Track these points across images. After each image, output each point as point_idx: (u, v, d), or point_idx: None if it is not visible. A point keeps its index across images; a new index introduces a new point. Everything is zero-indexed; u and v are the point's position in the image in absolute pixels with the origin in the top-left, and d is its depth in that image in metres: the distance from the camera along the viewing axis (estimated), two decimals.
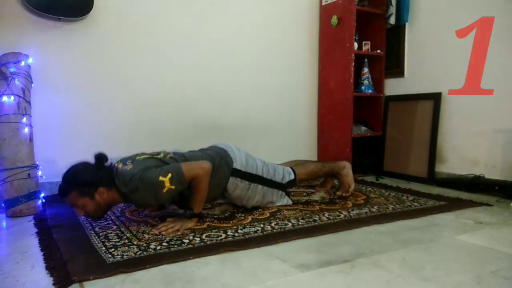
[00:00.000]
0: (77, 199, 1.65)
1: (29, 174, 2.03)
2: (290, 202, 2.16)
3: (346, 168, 2.41)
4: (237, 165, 1.97)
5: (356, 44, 3.09)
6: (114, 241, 1.55)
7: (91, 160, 1.73)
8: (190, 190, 1.75)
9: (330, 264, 1.34)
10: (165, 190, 1.64)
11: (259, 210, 2.03)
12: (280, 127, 3.23)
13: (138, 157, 1.80)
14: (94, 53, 2.49)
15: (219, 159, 1.93)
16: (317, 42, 3.36)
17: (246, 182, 1.98)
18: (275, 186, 2.11)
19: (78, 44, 2.44)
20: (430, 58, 2.96)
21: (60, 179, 2.42)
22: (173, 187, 1.65)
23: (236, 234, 1.64)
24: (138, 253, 1.43)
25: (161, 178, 1.63)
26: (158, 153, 1.88)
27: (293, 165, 2.29)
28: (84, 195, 1.64)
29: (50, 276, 1.25)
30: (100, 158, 1.70)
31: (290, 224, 1.78)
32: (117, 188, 1.69)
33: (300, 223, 1.79)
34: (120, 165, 1.76)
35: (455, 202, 2.21)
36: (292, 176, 2.19)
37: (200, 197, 1.74)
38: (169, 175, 1.64)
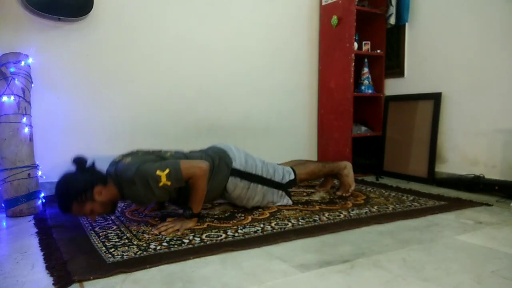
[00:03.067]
0: (82, 208, 1.64)
1: (29, 174, 2.03)
2: (290, 202, 2.16)
3: (347, 168, 2.41)
4: (236, 164, 1.97)
5: (356, 44, 3.09)
6: (114, 241, 1.55)
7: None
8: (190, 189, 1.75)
9: (330, 264, 1.34)
10: (160, 184, 1.63)
11: (259, 210, 2.03)
12: (280, 127, 3.22)
13: (138, 153, 1.81)
14: (94, 53, 2.49)
15: (218, 159, 1.93)
16: (317, 42, 3.37)
17: (246, 181, 1.98)
18: (275, 186, 2.11)
19: (78, 44, 2.44)
20: (430, 58, 2.96)
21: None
22: (169, 183, 1.64)
23: (236, 234, 1.64)
24: (138, 253, 1.43)
25: (158, 172, 1.63)
26: (160, 151, 1.88)
27: (293, 165, 2.28)
28: (85, 202, 1.63)
29: (50, 276, 1.25)
30: (79, 162, 1.69)
31: (290, 224, 1.78)
32: (114, 182, 1.69)
33: (300, 223, 1.79)
34: (120, 159, 1.76)
35: (455, 202, 2.21)
36: (292, 176, 2.19)
37: (198, 197, 1.74)
38: (167, 170, 1.64)
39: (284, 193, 2.15)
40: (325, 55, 3.29)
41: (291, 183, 2.19)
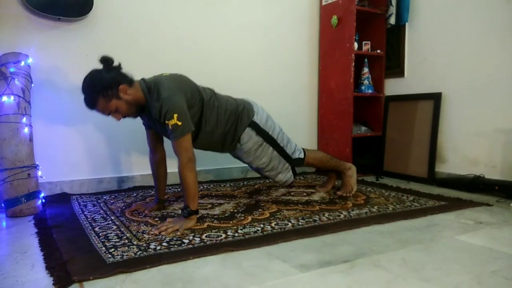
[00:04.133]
0: (107, 104, 1.70)
1: (29, 174, 2.03)
2: (292, 178, 2.23)
3: (352, 169, 2.43)
4: (257, 119, 2.07)
5: (356, 44, 3.09)
6: (114, 241, 1.55)
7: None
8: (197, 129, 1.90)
9: (330, 264, 1.34)
10: (171, 122, 1.70)
11: (259, 210, 2.03)
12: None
13: (182, 78, 1.91)
14: (94, 53, 2.46)
15: (242, 107, 2.05)
16: (317, 42, 3.37)
17: (260, 138, 2.07)
18: (284, 157, 2.17)
19: (78, 44, 2.44)
20: (430, 58, 2.96)
21: (60, 179, 2.44)
22: (180, 122, 1.71)
23: (236, 234, 1.64)
24: (138, 253, 1.42)
25: (175, 115, 1.70)
26: (196, 84, 1.97)
27: (305, 148, 2.35)
28: (111, 98, 1.70)
29: (50, 276, 1.25)
30: (106, 60, 1.73)
31: (290, 224, 1.78)
32: (142, 86, 1.78)
33: (300, 223, 1.79)
34: (162, 74, 1.87)
35: (455, 202, 2.21)
36: (302, 155, 2.25)
37: (191, 192, 1.73)
38: (180, 123, 1.70)
39: (289, 167, 2.18)
40: (325, 55, 3.29)
41: (299, 161, 2.24)
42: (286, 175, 2.20)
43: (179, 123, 1.71)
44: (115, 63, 1.76)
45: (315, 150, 2.46)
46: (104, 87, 1.68)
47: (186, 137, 1.74)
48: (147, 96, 1.78)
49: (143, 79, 1.85)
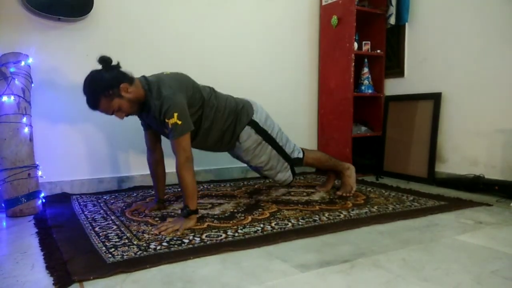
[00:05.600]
0: (110, 104, 1.71)
1: (29, 174, 2.03)
2: (291, 178, 2.23)
3: (350, 169, 2.43)
4: (256, 117, 2.08)
5: (356, 44, 3.09)
6: (114, 241, 1.55)
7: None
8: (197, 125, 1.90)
9: (330, 264, 1.34)
10: (171, 121, 1.70)
11: (259, 210, 2.03)
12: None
13: (184, 78, 1.91)
14: (94, 53, 2.45)
15: (242, 106, 2.07)
16: (317, 42, 3.37)
17: (259, 137, 2.08)
18: (283, 156, 2.18)
19: (78, 44, 2.44)
20: (430, 58, 2.96)
21: (60, 179, 2.44)
22: (180, 121, 1.71)
23: (236, 234, 1.64)
24: (138, 253, 1.42)
25: (175, 114, 1.70)
26: (197, 84, 1.97)
27: (303, 148, 2.35)
28: (113, 97, 1.70)
29: (50, 276, 1.25)
30: (105, 60, 1.73)
31: (290, 224, 1.78)
32: (142, 84, 1.78)
33: (300, 223, 1.79)
34: (163, 72, 1.89)
35: (455, 202, 2.21)
36: (301, 155, 2.27)
37: (189, 192, 1.73)
38: (180, 122, 1.70)
39: (288, 166, 2.18)
40: (325, 55, 3.29)
41: (298, 161, 2.25)
42: (285, 175, 2.20)
43: (179, 122, 1.71)
44: (114, 62, 1.76)
45: (314, 150, 2.46)
46: (106, 87, 1.69)
47: (185, 137, 1.74)
48: (147, 94, 1.78)
49: (144, 76, 1.85)
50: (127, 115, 1.81)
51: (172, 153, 1.77)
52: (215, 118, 1.97)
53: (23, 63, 2.10)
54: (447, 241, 1.58)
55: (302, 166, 2.36)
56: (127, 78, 1.75)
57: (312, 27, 3.34)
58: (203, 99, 1.92)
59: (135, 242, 1.54)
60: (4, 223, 1.90)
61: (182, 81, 1.86)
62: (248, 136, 2.05)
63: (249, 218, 1.88)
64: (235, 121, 2.03)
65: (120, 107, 1.73)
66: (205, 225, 1.76)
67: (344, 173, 2.42)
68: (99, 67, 1.74)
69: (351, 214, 1.95)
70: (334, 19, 3.13)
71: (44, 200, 2.15)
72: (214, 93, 2.02)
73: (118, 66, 1.77)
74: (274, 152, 2.14)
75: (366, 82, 3.23)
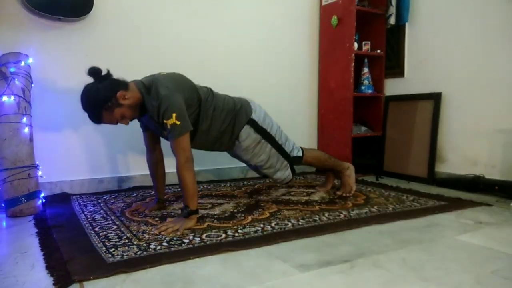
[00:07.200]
0: (111, 115, 1.71)
1: (29, 174, 2.03)
2: (290, 176, 2.23)
3: (350, 169, 2.43)
4: (254, 116, 2.08)
5: (356, 44, 3.09)
6: (114, 241, 1.55)
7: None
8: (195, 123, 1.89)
9: (330, 264, 1.34)
10: (170, 122, 1.69)
11: (259, 210, 2.03)
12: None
13: (181, 77, 1.90)
14: (94, 53, 2.49)
15: (240, 106, 2.06)
16: (317, 42, 3.37)
17: (258, 135, 2.07)
18: (283, 154, 2.18)
19: (78, 44, 2.44)
20: (430, 58, 2.96)
21: (60, 179, 2.44)
22: (179, 122, 1.70)
23: (236, 234, 1.64)
24: (138, 253, 1.43)
25: (174, 114, 1.69)
26: (194, 84, 1.96)
27: (303, 147, 2.35)
28: (113, 108, 1.69)
29: (50, 276, 1.25)
30: (95, 72, 1.71)
31: (290, 224, 1.78)
32: (138, 86, 1.77)
33: (300, 223, 1.79)
34: (159, 74, 1.87)
35: (455, 202, 2.21)
36: (300, 154, 2.27)
37: (189, 192, 1.73)
38: (179, 122, 1.69)
39: (288, 165, 2.18)
40: (325, 55, 3.29)
41: (297, 159, 2.25)
42: (284, 173, 2.20)
43: (178, 123, 1.70)
44: (104, 71, 1.73)
45: (314, 149, 2.46)
46: (103, 100, 1.67)
47: (185, 137, 1.74)
48: (144, 95, 1.78)
49: (139, 80, 1.84)
50: (131, 120, 1.80)
51: (172, 153, 1.77)
52: (213, 118, 1.97)
53: (23, 63, 2.10)
54: (447, 241, 1.58)
55: (301, 165, 2.36)
56: (122, 85, 1.73)
57: (312, 27, 3.34)
58: (200, 99, 1.91)
59: (135, 242, 1.54)
60: (4, 223, 1.90)
61: (179, 81, 1.85)
62: (247, 135, 2.05)
63: (249, 218, 1.88)
64: (234, 121, 2.03)
65: (122, 115, 1.73)
66: (205, 225, 1.76)
67: (344, 173, 2.42)
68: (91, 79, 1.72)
69: (351, 214, 1.95)
70: (334, 19, 3.13)
71: (44, 200, 2.15)
72: (211, 93, 2.02)
73: (109, 74, 1.74)
74: (273, 150, 2.14)
75: (366, 82, 3.22)
